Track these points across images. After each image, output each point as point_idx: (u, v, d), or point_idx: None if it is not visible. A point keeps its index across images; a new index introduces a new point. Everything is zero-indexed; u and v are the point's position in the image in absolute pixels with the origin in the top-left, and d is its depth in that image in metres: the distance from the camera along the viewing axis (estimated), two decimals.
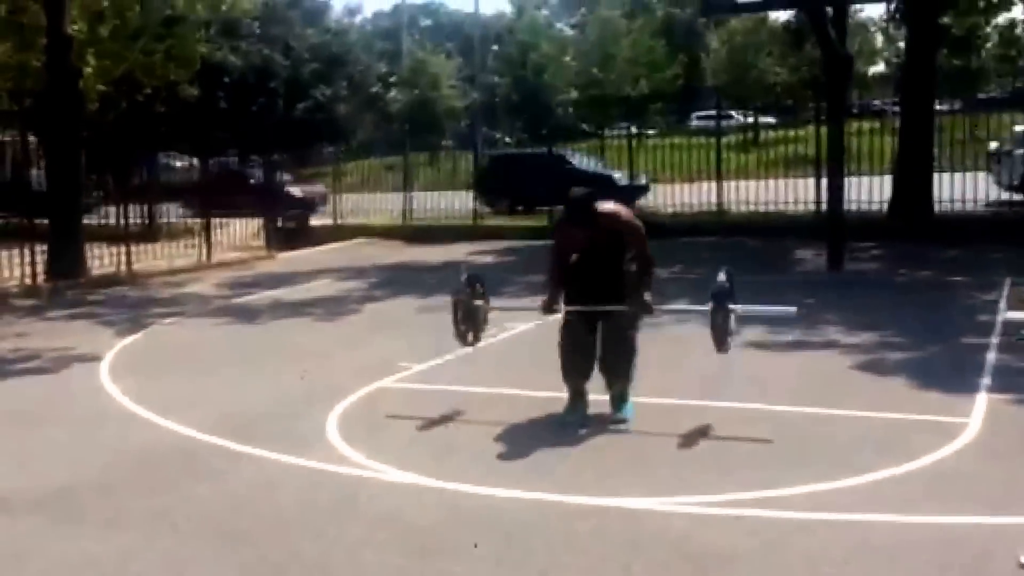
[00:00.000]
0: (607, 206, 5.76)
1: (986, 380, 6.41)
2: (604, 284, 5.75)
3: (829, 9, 11.11)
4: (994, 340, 7.61)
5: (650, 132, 25.57)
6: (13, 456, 5.68)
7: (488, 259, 15.21)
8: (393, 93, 53.95)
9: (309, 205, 21.92)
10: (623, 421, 5.72)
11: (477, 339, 6.39)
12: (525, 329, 8.54)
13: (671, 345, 7.77)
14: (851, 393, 6.34)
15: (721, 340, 5.69)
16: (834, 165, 11.87)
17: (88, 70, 15.59)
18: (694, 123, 29.77)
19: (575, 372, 5.88)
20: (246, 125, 34.98)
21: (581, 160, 21.33)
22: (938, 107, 16.83)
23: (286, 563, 3.95)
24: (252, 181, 22.82)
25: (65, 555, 4.15)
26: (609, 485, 4.67)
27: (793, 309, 5.89)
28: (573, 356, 5.86)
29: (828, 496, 4.44)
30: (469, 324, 6.23)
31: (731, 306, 5.68)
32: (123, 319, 10.62)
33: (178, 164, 23.23)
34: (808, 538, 4.01)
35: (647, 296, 5.72)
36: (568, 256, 5.88)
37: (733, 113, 27.35)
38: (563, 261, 5.90)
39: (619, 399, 5.84)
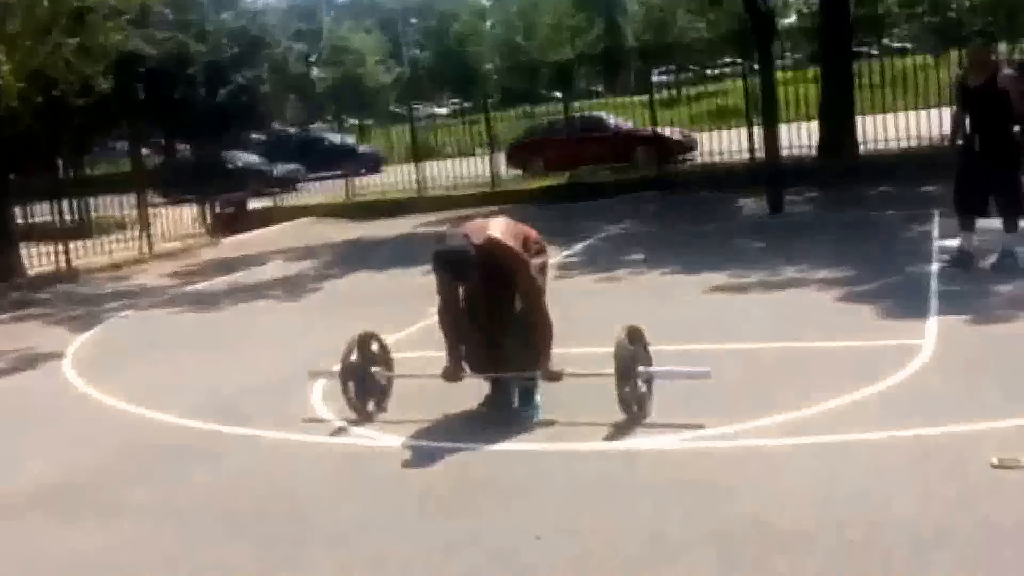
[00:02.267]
0: (489, 235, 4.91)
1: (934, 303, 6.79)
2: (502, 322, 5.08)
3: None
4: (934, 267, 8.00)
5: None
6: None
7: (442, 228, 15.28)
8: (317, 72, 53.34)
9: (689, 147, 19.26)
10: (531, 416, 5.10)
11: (382, 408, 5.44)
12: None
13: (629, 292, 8.02)
14: (812, 327, 6.64)
15: (631, 409, 4.81)
16: (767, 115, 12.18)
17: (5, 67, 15.10)
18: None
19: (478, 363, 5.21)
20: (169, 113, 34.24)
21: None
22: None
23: (302, 535, 4.03)
24: (614, 125, 20.88)
25: (72, 550, 4.15)
26: (601, 430, 4.83)
27: (708, 369, 4.94)
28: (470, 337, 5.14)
29: (807, 421, 4.71)
30: (365, 393, 5.37)
31: (640, 369, 4.93)
32: (75, 316, 10.48)
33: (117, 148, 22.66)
34: (794, 462, 4.25)
35: (549, 364, 4.97)
36: (456, 303, 5.16)
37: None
38: (452, 310, 5.16)
39: (524, 392, 5.21)
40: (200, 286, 11.86)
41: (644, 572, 3.42)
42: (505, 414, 5.17)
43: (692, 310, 7.53)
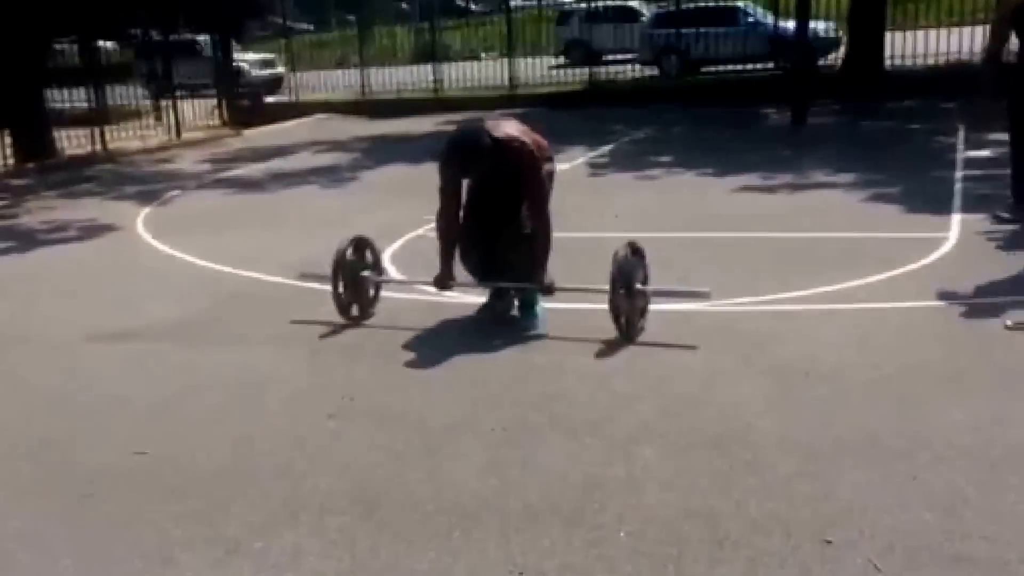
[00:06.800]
0: (507, 131, 4.85)
1: (958, 203, 7.42)
2: (500, 223, 4.99)
3: None
4: (959, 174, 8.55)
5: None
6: (111, 302, 6.13)
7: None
8: None
9: None
10: (532, 328, 5.04)
11: (364, 314, 5.37)
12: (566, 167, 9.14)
13: (661, 189, 8.56)
14: (843, 220, 7.25)
15: (622, 324, 4.68)
16: (799, 24, 12.48)
17: None
18: None
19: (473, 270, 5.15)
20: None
21: None
22: None
23: (409, 362, 4.70)
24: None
25: (218, 365, 4.76)
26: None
27: (707, 290, 4.85)
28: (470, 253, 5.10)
29: (842, 292, 5.34)
30: (352, 295, 5.35)
31: (638, 287, 4.79)
32: (129, 193, 10.93)
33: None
34: (833, 321, 4.91)
35: (544, 276, 4.93)
36: (457, 206, 5.05)
37: None
38: (451, 213, 5.05)
39: (525, 304, 5.19)
40: (240, 171, 12.32)
41: (705, 394, 4.04)
42: (502, 321, 5.17)
43: (724, 206, 8.08)
